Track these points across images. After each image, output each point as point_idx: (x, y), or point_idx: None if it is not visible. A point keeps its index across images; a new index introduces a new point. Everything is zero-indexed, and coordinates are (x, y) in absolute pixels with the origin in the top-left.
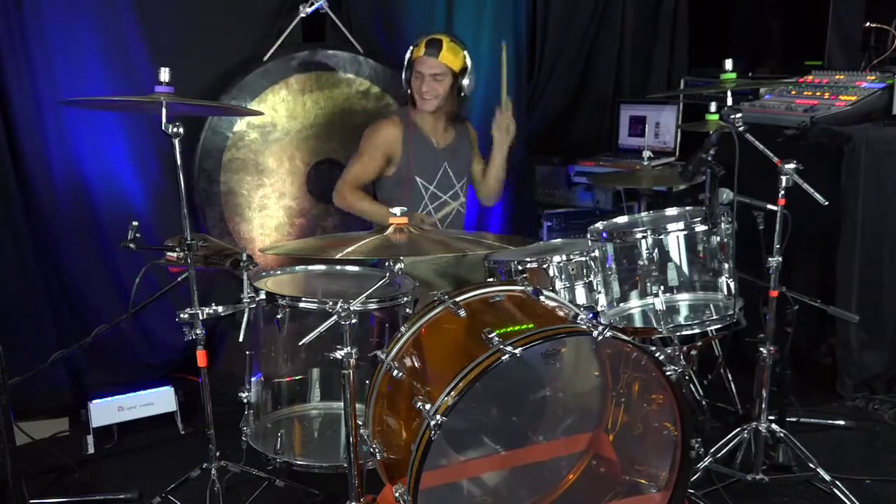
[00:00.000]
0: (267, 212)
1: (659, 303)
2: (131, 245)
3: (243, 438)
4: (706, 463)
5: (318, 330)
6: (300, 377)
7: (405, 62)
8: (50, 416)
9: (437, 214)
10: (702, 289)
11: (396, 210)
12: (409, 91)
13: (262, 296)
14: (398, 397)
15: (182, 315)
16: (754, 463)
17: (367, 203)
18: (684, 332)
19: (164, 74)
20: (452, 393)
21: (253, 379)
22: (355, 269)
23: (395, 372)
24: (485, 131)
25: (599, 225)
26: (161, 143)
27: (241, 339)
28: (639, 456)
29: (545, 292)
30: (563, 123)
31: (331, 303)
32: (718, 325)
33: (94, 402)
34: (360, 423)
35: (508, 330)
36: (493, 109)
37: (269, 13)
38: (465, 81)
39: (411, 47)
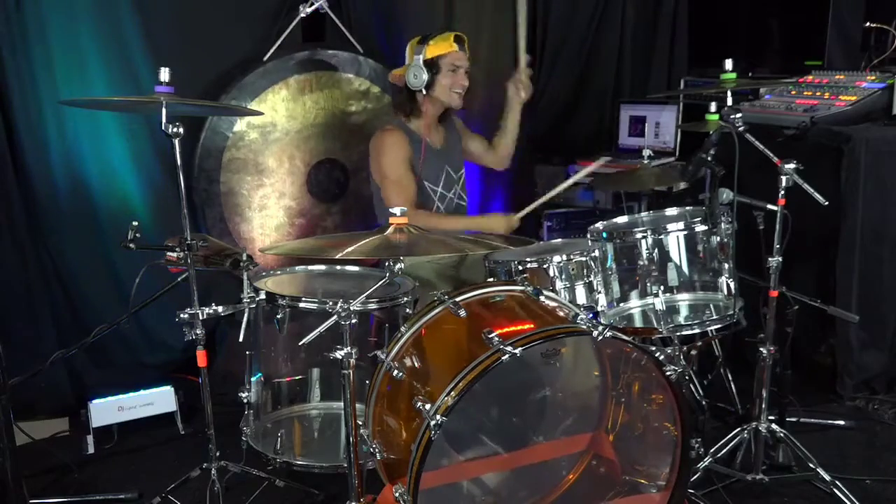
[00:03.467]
0: (267, 212)
1: (659, 303)
2: (131, 245)
3: (243, 438)
4: (706, 463)
5: (318, 330)
6: (300, 377)
7: (424, 60)
8: (50, 416)
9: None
10: (702, 289)
11: (396, 210)
12: (427, 89)
13: (262, 296)
14: (398, 397)
15: (182, 315)
16: (754, 463)
17: (442, 220)
18: (684, 332)
19: (164, 74)
20: (452, 393)
21: (253, 379)
22: (355, 269)
23: (395, 372)
24: (488, 130)
25: (599, 225)
26: (161, 143)
27: (241, 339)
28: (639, 456)
29: (545, 292)
30: (562, 123)
31: (331, 303)
32: (718, 325)
33: (94, 402)
34: (360, 423)
35: (508, 330)
36: (494, 110)
37: (269, 13)
38: None
39: (424, 47)
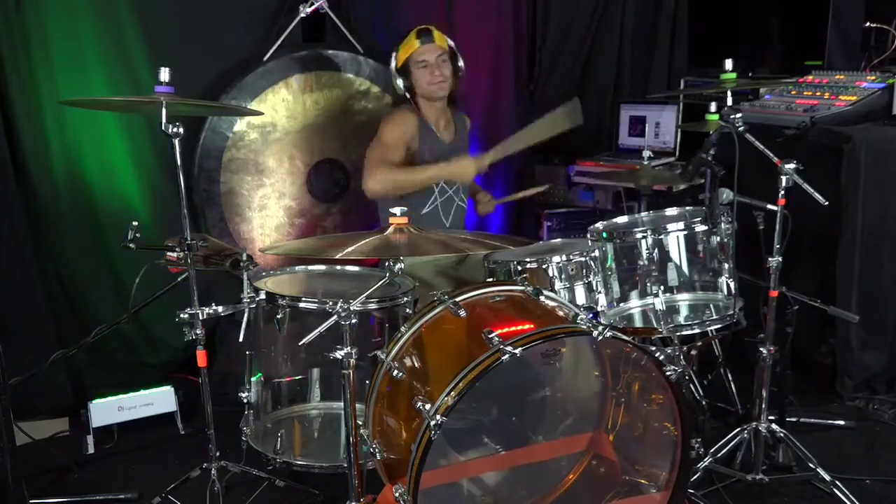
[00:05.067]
0: (267, 212)
1: (659, 303)
2: (131, 245)
3: (243, 438)
4: (706, 463)
5: (318, 330)
6: (300, 377)
7: (397, 67)
8: (50, 416)
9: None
10: (702, 289)
11: (396, 210)
12: (410, 94)
13: (262, 296)
14: (398, 397)
15: (182, 315)
16: (754, 463)
17: (405, 172)
18: (684, 332)
19: (164, 74)
20: (452, 393)
21: (253, 379)
22: (355, 269)
23: (395, 372)
24: (488, 130)
25: (599, 225)
26: (161, 143)
27: (241, 339)
28: (639, 456)
29: (545, 292)
30: None
31: (331, 303)
32: (718, 325)
33: (94, 402)
34: (360, 423)
35: (508, 330)
36: (495, 109)
37: (269, 13)
38: (460, 62)
39: (395, 52)
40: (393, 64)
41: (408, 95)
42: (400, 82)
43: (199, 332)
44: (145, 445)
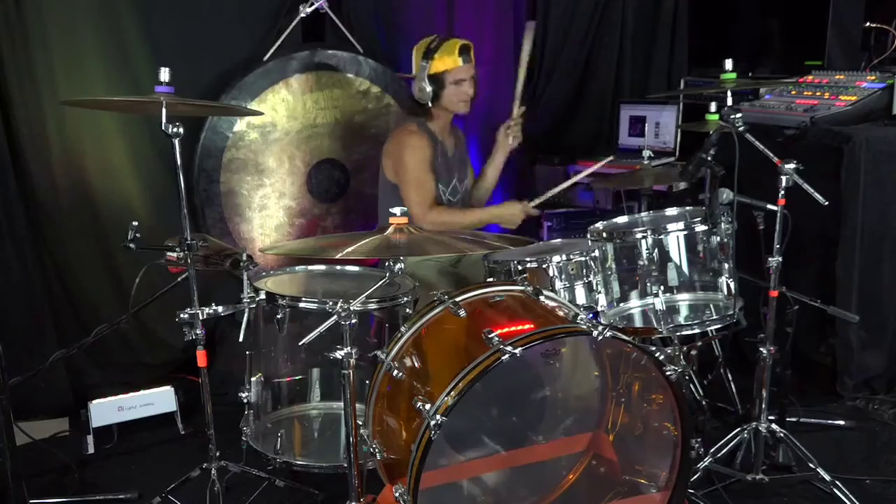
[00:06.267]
0: (267, 212)
1: (659, 303)
2: (131, 245)
3: (243, 438)
4: (706, 463)
5: (318, 330)
6: (300, 377)
7: (429, 74)
8: (50, 416)
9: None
10: (702, 289)
11: (396, 210)
12: (430, 103)
13: (262, 296)
14: (398, 397)
15: (182, 315)
16: (754, 463)
17: (456, 214)
18: (684, 332)
19: (164, 74)
20: (452, 393)
21: (253, 379)
22: (355, 269)
23: (395, 372)
24: (489, 131)
25: (599, 225)
26: (161, 143)
27: (241, 339)
28: (639, 456)
29: (545, 292)
30: (563, 124)
31: (331, 303)
32: (718, 325)
33: (94, 402)
34: (360, 423)
35: (508, 330)
36: (496, 110)
37: (269, 13)
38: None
39: (429, 61)
40: (425, 71)
41: (430, 104)
42: (429, 89)
43: (199, 332)
44: (145, 445)
